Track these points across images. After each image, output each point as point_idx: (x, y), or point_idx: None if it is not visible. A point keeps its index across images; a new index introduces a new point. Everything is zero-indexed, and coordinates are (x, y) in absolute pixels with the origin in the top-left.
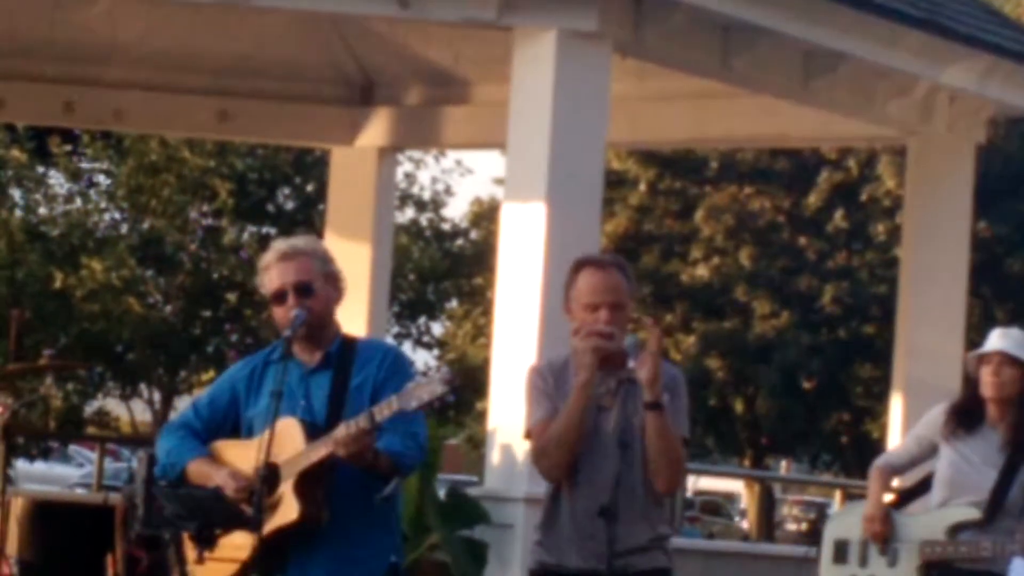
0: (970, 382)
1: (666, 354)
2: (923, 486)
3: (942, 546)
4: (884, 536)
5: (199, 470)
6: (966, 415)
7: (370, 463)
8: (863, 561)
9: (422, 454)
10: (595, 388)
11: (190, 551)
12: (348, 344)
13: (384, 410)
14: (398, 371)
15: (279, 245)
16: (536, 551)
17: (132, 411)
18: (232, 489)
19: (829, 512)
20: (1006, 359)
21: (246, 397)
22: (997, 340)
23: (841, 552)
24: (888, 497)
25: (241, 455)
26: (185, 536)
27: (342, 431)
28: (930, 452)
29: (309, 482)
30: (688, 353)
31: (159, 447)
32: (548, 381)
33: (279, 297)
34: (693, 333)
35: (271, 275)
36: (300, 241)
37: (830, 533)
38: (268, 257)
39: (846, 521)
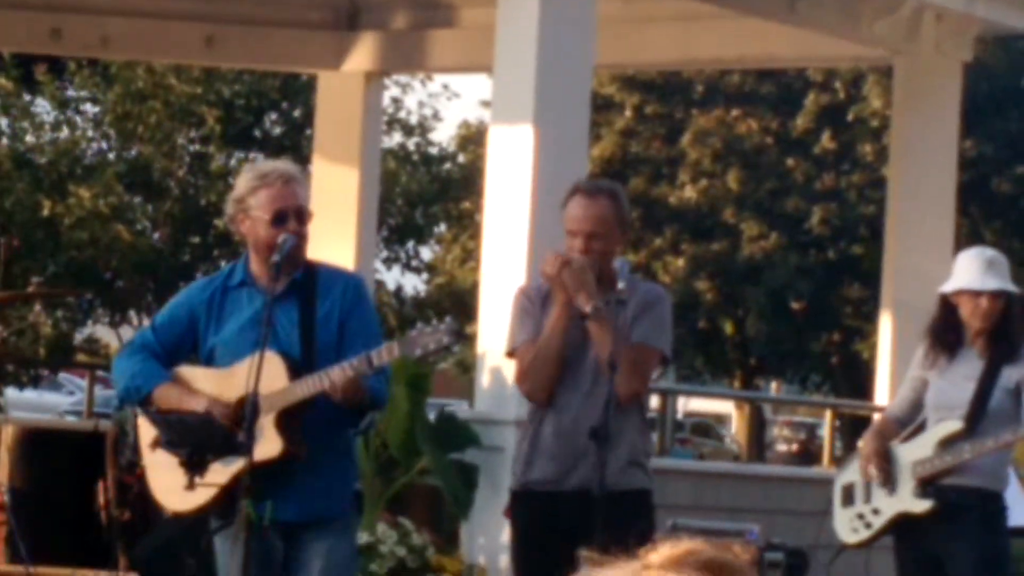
0: (947, 308)
1: (653, 276)
2: (922, 428)
3: (930, 461)
4: (884, 470)
5: (168, 395)
6: (945, 342)
7: (359, 403)
8: (867, 498)
9: (388, 390)
10: (584, 309)
11: (166, 478)
12: (310, 271)
13: (384, 355)
14: (361, 301)
15: (276, 166)
16: (519, 472)
17: (122, 338)
18: (219, 415)
19: (819, 432)
20: (997, 294)
21: (206, 322)
22: (985, 275)
23: (848, 495)
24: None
25: (213, 383)
26: (150, 465)
27: (339, 375)
28: (924, 389)
29: (289, 418)
30: (677, 275)
31: (118, 368)
32: (535, 302)
33: (279, 219)
34: (682, 255)
35: (271, 193)
36: (292, 167)
37: (839, 480)
38: (264, 176)
39: (852, 467)
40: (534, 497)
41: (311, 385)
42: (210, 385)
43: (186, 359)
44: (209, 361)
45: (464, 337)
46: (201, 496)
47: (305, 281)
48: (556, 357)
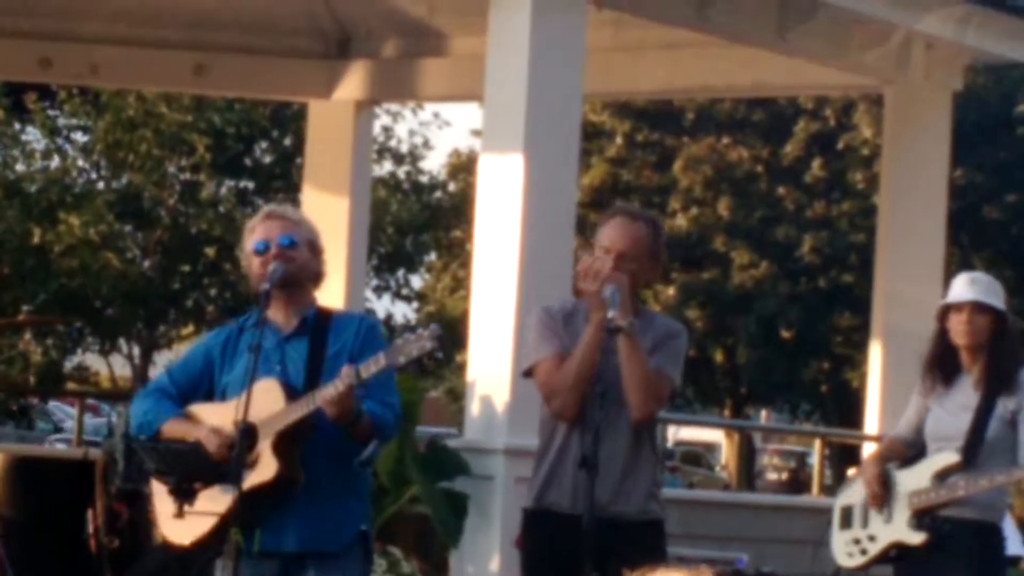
0: (940, 333)
1: (643, 304)
2: (924, 453)
3: (925, 493)
4: (881, 497)
5: (176, 428)
6: (941, 368)
7: (354, 423)
8: (864, 522)
9: (397, 424)
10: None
11: (168, 505)
12: (324, 314)
13: (371, 366)
14: (373, 341)
15: (265, 208)
16: (536, 493)
17: (112, 366)
18: (214, 445)
19: (809, 461)
20: (977, 307)
21: (221, 363)
22: (966, 288)
23: (847, 517)
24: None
25: (218, 416)
26: (155, 493)
27: (329, 390)
28: (927, 414)
29: (287, 442)
30: (667, 304)
31: (133, 410)
32: (557, 320)
33: (259, 249)
34: (672, 284)
35: (256, 231)
36: (289, 209)
37: (838, 502)
38: (255, 218)
39: (853, 489)
40: (551, 518)
41: (305, 404)
42: (216, 418)
43: (201, 401)
44: (223, 400)
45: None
46: (200, 525)
47: (318, 322)
48: (589, 376)
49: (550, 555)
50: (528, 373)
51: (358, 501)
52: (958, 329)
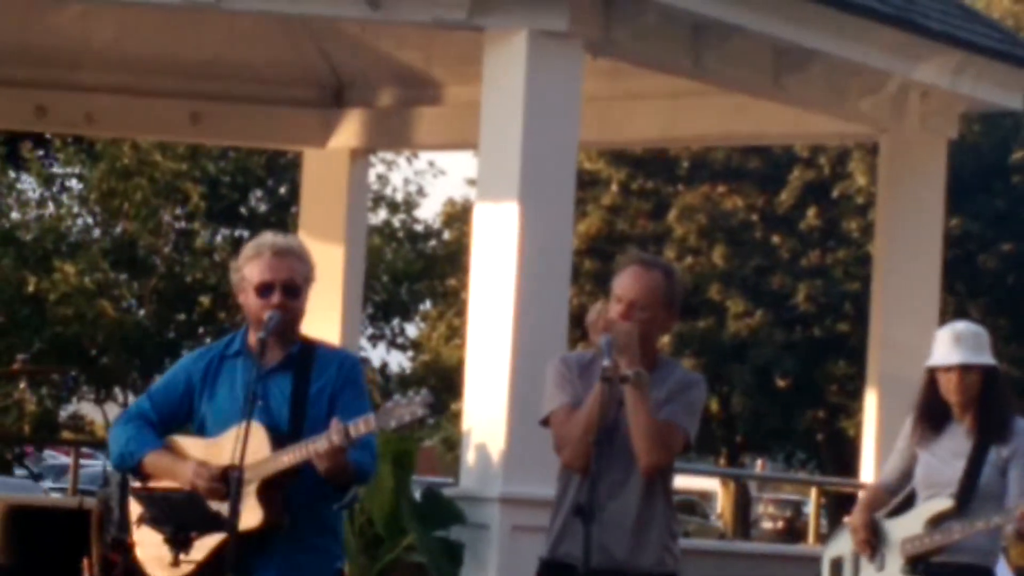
0: (929, 382)
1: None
2: (911, 500)
3: (919, 539)
4: (870, 544)
5: (158, 462)
6: (931, 418)
7: (341, 476)
8: (855, 572)
9: (375, 463)
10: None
11: (154, 551)
12: (308, 348)
13: (361, 427)
14: (355, 380)
15: (273, 239)
16: (550, 544)
17: (106, 415)
18: (203, 479)
19: (805, 509)
20: (966, 368)
21: (200, 389)
22: (952, 350)
23: (837, 569)
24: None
25: (200, 451)
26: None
27: (322, 444)
28: (914, 461)
29: (271, 488)
30: (663, 352)
31: (114, 435)
32: (573, 370)
33: (265, 289)
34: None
35: (260, 265)
36: (294, 241)
37: (827, 554)
38: (259, 248)
39: (840, 540)
40: (564, 570)
41: (294, 455)
42: (199, 454)
43: (180, 428)
44: (200, 429)
45: (441, 410)
46: (186, 570)
47: (301, 357)
48: (598, 423)
49: None
50: (545, 423)
51: (334, 540)
52: (948, 387)
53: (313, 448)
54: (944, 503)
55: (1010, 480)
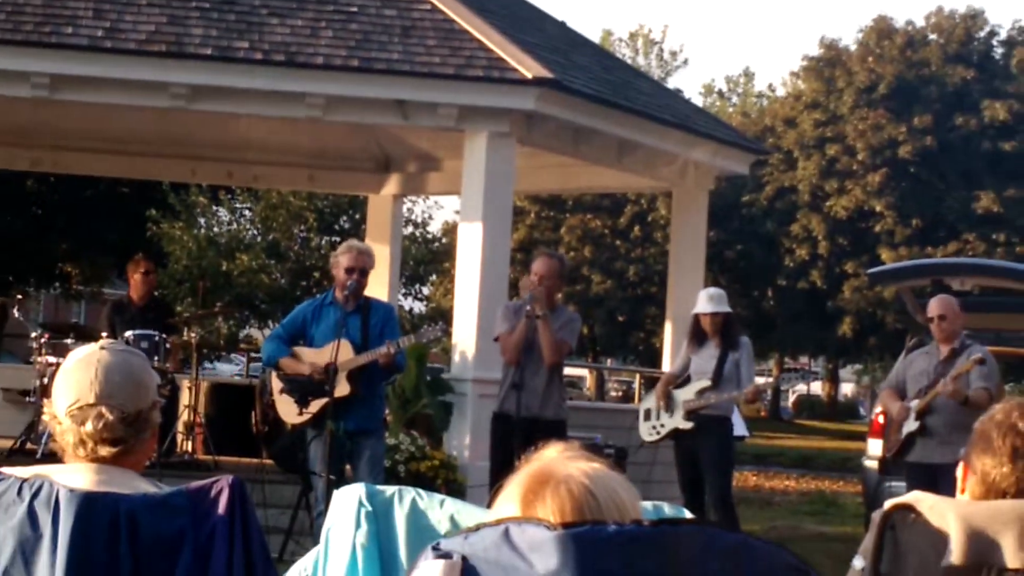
0: (695, 321)
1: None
2: (687, 380)
3: (693, 401)
4: (666, 403)
5: (288, 361)
6: (697, 339)
7: (390, 367)
8: (658, 416)
9: (406, 362)
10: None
11: (289, 406)
12: (368, 301)
13: (405, 341)
14: (392, 319)
15: (356, 243)
16: (498, 404)
17: (263, 336)
18: (315, 372)
19: (633, 386)
20: (715, 314)
21: (311, 321)
22: (707, 303)
23: (647, 414)
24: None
25: (313, 355)
26: (276, 400)
27: (383, 350)
28: (689, 361)
29: (354, 374)
30: (559, 302)
31: (265, 347)
32: (511, 312)
33: (351, 270)
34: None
35: (349, 257)
36: (365, 245)
37: (642, 406)
38: (349, 247)
39: (649, 399)
40: (504, 417)
41: (367, 356)
42: (311, 356)
43: (299, 342)
44: (310, 343)
45: (447, 333)
46: (305, 417)
47: (365, 306)
48: (524, 339)
49: (503, 435)
50: (496, 339)
51: (382, 402)
52: (706, 323)
53: (376, 353)
54: (705, 383)
55: (741, 370)
